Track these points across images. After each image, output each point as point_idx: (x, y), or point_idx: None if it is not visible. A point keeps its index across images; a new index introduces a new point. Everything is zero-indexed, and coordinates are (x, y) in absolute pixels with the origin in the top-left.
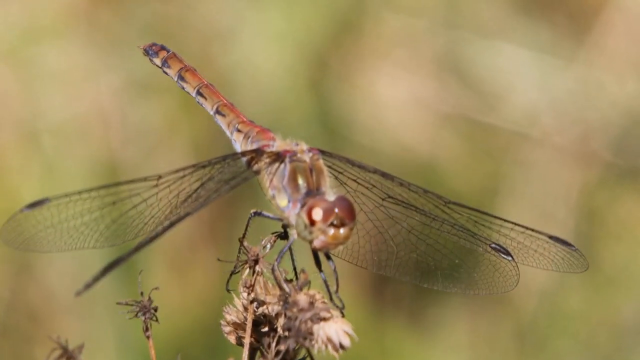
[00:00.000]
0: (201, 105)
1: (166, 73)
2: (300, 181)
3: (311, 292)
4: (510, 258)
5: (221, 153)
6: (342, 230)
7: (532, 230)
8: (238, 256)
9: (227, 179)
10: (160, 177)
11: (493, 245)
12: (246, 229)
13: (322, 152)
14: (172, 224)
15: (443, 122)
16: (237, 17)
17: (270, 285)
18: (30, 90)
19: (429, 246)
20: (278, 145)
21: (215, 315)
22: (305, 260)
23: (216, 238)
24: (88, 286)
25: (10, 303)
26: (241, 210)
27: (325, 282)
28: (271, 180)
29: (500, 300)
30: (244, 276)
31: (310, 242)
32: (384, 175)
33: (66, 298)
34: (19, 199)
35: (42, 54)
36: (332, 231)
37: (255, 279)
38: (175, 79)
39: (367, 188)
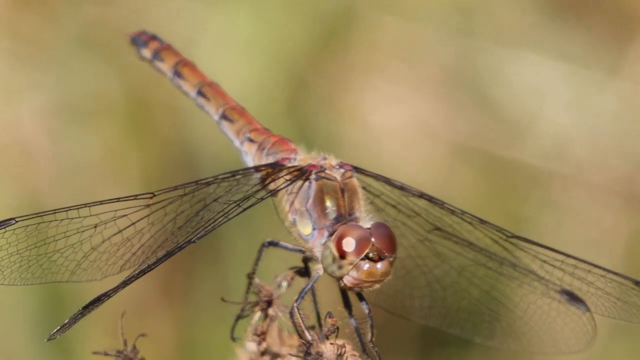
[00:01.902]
0: (202, 108)
1: (158, 69)
2: (329, 204)
3: (339, 341)
4: (584, 309)
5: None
6: (379, 265)
7: (614, 273)
8: (246, 297)
9: (237, 200)
10: (153, 195)
11: (564, 293)
12: (257, 263)
13: (356, 169)
14: (168, 254)
15: (454, 154)
16: (196, 22)
17: (287, 333)
18: None
19: (484, 292)
20: (301, 158)
21: None
22: (331, 303)
23: (170, 298)
24: (64, 327)
25: None
26: (201, 262)
27: (356, 329)
28: (292, 202)
29: None
30: (253, 322)
31: (340, 279)
32: (432, 200)
33: None
34: None
35: None
36: (367, 266)
37: (269, 325)
38: (170, 76)
39: (409, 216)
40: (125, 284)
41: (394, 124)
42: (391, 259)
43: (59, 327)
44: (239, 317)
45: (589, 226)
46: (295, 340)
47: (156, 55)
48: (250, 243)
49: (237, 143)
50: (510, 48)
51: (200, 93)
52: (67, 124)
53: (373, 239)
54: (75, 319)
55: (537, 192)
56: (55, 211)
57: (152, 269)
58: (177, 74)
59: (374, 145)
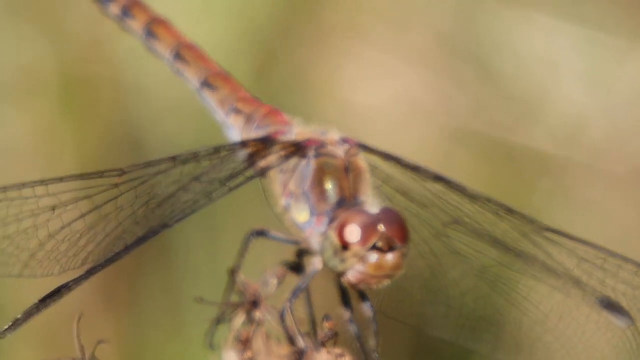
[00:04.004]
0: (180, 75)
1: (128, 29)
2: (330, 186)
3: (337, 350)
4: (628, 321)
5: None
6: (389, 257)
7: None
8: (228, 297)
9: (222, 179)
10: (123, 172)
11: (604, 301)
12: (242, 256)
13: (362, 146)
14: (140, 240)
15: (450, 137)
16: None
17: (275, 341)
18: None
19: (508, 299)
20: (297, 132)
21: None
22: (328, 303)
23: (114, 307)
24: (17, 324)
25: None
26: (149, 264)
27: (358, 336)
28: (286, 184)
29: None
30: (236, 327)
31: (342, 274)
32: (450, 185)
33: None
34: None
35: None
36: (375, 257)
37: (254, 330)
38: (143, 37)
39: (424, 206)
40: (90, 273)
41: (380, 102)
42: (403, 250)
43: (10, 324)
44: (218, 322)
45: (608, 222)
46: (285, 349)
47: (126, 12)
48: (209, 239)
49: (220, 115)
50: (515, 8)
51: (178, 56)
52: None
53: (382, 227)
54: (29, 314)
55: (546, 181)
56: (5, 188)
57: (121, 257)
58: (150, 34)
59: (356, 127)
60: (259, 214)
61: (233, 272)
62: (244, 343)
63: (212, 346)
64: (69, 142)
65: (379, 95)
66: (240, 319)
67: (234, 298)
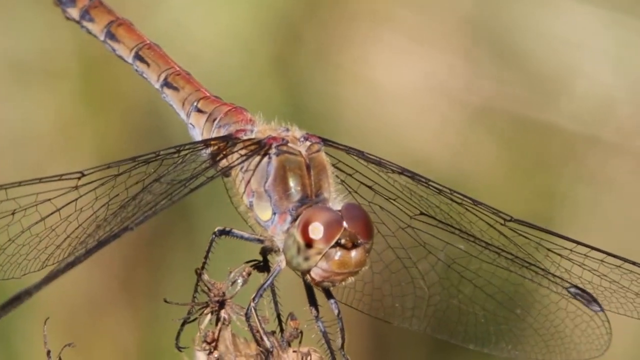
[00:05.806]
0: (141, 75)
1: (88, 31)
2: (292, 183)
3: (303, 349)
4: (597, 308)
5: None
6: (353, 254)
7: (632, 263)
8: (194, 297)
9: (183, 179)
10: (82, 174)
11: (572, 289)
12: (207, 256)
13: (324, 141)
14: (100, 244)
15: (473, 118)
16: None
17: (242, 340)
18: None
19: (477, 289)
20: (259, 130)
21: None
22: (294, 302)
23: (131, 294)
24: None
25: None
26: (168, 252)
27: (324, 334)
28: (248, 182)
29: None
30: (203, 326)
31: (305, 272)
32: (415, 178)
33: None
34: None
35: None
36: (338, 254)
37: (220, 330)
38: (102, 39)
39: (388, 199)
40: (48, 279)
41: (403, 84)
42: (367, 246)
43: None
44: (185, 322)
45: (633, 203)
46: (252, 349)
47: (85, 14)
48: (230, 224)
49: (182, 115)
50: None
51: (138, 57)
52: (11, 86)
53: (345, 223)
54: None
55: (572, 162)
56: None
57: (81, 261)
58: (110, 35)
59: (380, 109)
60: None
61: (198, 272)
62: (211, 343)
63: (179, 348)
64: (89, 126)
65: (401, 77)
66: (206, 319)
67: (201, 298)
